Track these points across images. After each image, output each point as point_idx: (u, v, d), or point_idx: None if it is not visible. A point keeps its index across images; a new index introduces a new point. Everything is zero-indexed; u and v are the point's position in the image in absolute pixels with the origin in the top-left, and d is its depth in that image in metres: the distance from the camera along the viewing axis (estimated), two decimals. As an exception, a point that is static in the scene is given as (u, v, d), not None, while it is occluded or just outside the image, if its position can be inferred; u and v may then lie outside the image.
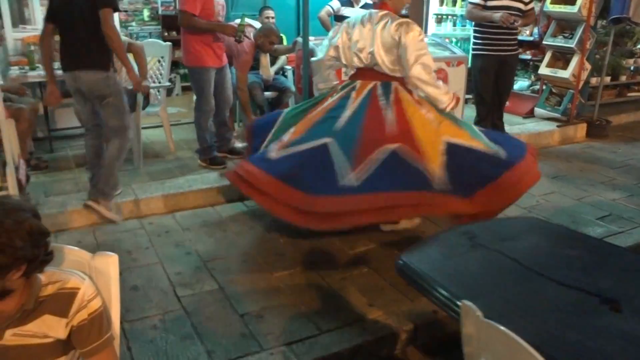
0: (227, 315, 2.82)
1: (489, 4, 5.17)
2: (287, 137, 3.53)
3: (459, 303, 1.50)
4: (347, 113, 3.43)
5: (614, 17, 5.98)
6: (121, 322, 2.67)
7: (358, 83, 3.54)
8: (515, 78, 6.38)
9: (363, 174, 3.17)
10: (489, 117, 5.61)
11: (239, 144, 5.13)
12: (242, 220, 4.01)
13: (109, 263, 1.65)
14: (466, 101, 6.15)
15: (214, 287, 3.09)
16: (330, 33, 3.77)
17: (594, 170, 5.24)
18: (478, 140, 3.39)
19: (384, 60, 3.40)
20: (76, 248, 1.68)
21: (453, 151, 3.27)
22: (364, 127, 3.35)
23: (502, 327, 1.30)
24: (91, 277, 1.59)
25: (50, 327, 1.48)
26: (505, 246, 2.14)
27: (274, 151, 3.46)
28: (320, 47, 3.91)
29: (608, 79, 6.95)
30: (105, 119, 3.80)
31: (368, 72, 3.52)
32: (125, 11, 7.74)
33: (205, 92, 4.54)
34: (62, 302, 1.48)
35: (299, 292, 3.05)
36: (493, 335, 1.34)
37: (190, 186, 4.28)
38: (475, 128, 3.63)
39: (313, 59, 4.32)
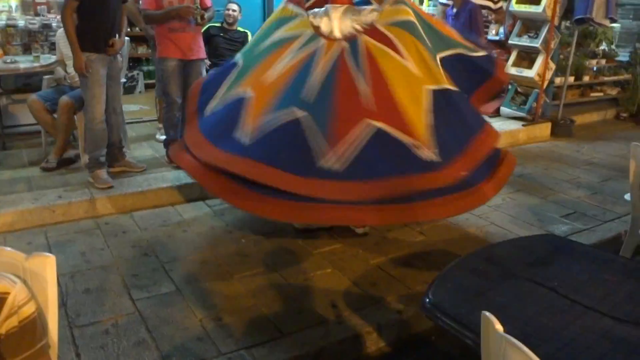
0: (184, 318, 2.69)
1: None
2: (249, 105, 3.14)
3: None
4: (315, 78, 3.11)
5: (577, 17, 6.04)
6: (70, 328, 2.57)
7: (323, 42, 3.23)
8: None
9: (346, 157, 2.88)
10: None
11: (161, 136, 5.12)
12: (204, 220, 3.87)
13: (46, 264, 1.51)
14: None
15: (172, 289, 2.95)
16: None
17: (559, 168, 5.27)
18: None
19: None
20: (8, 248, 1.54)
21: (440, 100, 3.09)
22: (337, 97, 3.05)
23: (521, 345, 1.21)
24: (25, 280, 1.46)
25: (-23, 336, 1.35)
26: (537, 273, 2.00)
27: (244, 134, 3.04)
28: None
29: (572, 79, 7.02)
30: None
31: None
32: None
33: (164, 82, 4.46)
34: (-10, 309, 1.34)
35: (260, 293, 2.94)
36: (511, 352, 1.25)
37: (149, 185, 4.12)
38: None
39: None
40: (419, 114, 3.04)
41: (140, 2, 4.70)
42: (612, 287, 1.94)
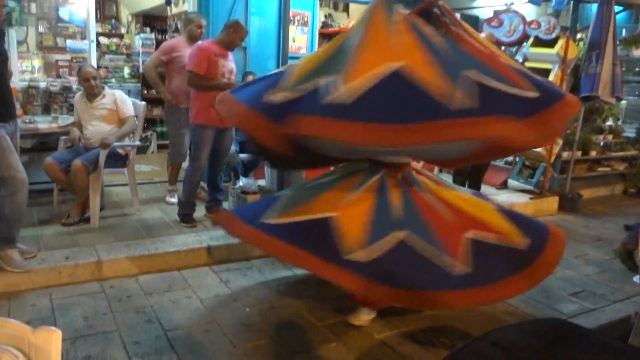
0: (184, 391, 2.65)
1: None
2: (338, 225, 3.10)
3: None
4: (395, 202, 3.20)
5: (583, 95, 6.16)
6: (68, 397, 2.51)
7: (384, 171, 3.35)
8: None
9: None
10: (464, 187, 5.67)
11: (171, 199, 5.31)
12: (209, 286, 3.85)
13: (52, 340, 1.51)
14: (441, 169, 6.19)
15: (173, 359, 2.91)
16: None
17: (567, 244, 5.21)
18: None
19: None
20: (15, 321, 1.54)
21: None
22: (425, 215, 3.18)
23: None
24: (29, 355, 1.46)
25: (-24, 413, 1.33)
26: None
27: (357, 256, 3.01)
28: None
29: (579, 153, 7.09)
30: None
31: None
32: (106, 68, 7.76)
33: (199, 148, 4.59)
34: (-10, 385, 1.34)
35: (263, 366, 2.90)
36: None
37: (156, 248, 4.13)
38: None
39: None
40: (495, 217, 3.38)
41: (163, 60, 5.05)
42: None
